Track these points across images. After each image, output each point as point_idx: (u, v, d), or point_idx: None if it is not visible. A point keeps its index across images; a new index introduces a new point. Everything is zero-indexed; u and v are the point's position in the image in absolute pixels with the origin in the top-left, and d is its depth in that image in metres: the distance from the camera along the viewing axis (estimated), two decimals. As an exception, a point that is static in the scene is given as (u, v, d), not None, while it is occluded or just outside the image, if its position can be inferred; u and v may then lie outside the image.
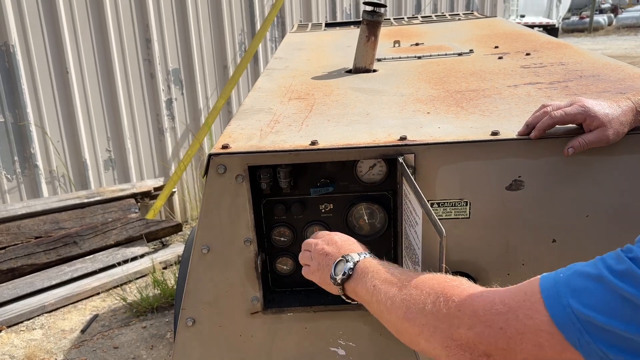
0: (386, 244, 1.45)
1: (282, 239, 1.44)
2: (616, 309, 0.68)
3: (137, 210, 4.55)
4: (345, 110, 1.59)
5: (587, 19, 22.25)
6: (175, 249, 4.41)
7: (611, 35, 20.50)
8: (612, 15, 24.10)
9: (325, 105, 1.66)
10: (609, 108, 1.20)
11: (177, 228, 4.58)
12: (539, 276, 0.79)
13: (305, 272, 1.22)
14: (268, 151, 1.28)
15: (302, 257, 1.23)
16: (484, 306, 0.78)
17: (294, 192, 1.39)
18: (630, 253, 0.72)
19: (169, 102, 4.87)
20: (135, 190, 4.66)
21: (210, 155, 1.28)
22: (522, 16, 16.37)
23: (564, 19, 21.12)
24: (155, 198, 4.74)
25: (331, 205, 1.41)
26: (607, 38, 19.60)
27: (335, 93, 1.81)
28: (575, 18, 23.14)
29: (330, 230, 1.43)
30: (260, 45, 5.15)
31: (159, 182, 4.84)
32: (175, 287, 3.82)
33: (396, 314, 0.91)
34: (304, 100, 1.73)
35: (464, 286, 0.86)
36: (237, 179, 1.30)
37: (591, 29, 21.62)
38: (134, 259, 4.19)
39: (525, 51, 2.28)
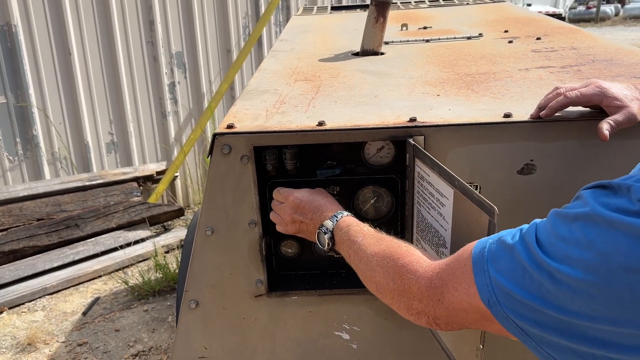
0: (392, 228, 1.43)
1: (287, 221, 1.41)
2: (518, 277, 0.77)
3: (139, 194, 4.53)
4: (353, 92, 1.56)
5: (594, 9, 22.06)
6: (177, 233, 4.40)
7: (618, 26, 20.32)
8: (619, 5, 23.88)
9: (332, 87, 1.62)
10: (626, 89, 1.17)
11: (179, 212, 4.56)
12: (473, 243, 0.88)
13: (280, 230, 1.32)
14: (274, 131, 1.26)
15: (273, 217, 1.32)
16: (425, 283, 0.92)
17: (300, 174, 1.36)
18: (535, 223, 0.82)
19: (172, 85, 4.83)
20: (137, 174, 4.64)
21: (215, 135, 1.26)
22: (529, 5, 16.23)
23: (570, 8, 20.95)
24: (158, 182, 4.73)
25: (337, 188, 1.38)
26: (613, 28, 19.43)
27: (342, 75, 1.78)
28: (582, 8, 22.93)
29: None
30: (264, 29, 5.09)
31: (161, 166, 4.82)
32: (177, 270, 3.81)
33: (370, 287, 1.07)
34: (310, 82, 1.69)
35: (411, 256, 0.98)
36: (242, 160, 1.27)
37: (597, 19, 21.44)
38: (136, 242, 4.18)
39: (536, 35, 2.24)
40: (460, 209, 1.05)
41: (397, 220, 1.42)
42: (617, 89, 1.16)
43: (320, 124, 1.27)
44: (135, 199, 4.47)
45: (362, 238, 1.10)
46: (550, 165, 1.27)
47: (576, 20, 21.90)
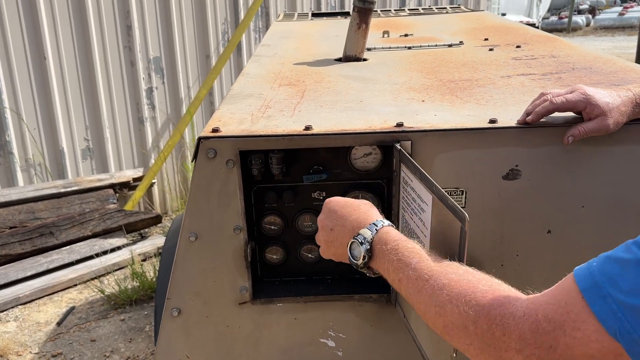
0: (379, 234, 1.42)
1: (273, 227, 1.40)
2: None
3: (115, 201, 4.45)
4: (338, 97, 1.55)
5: (566, 19, 22.54)
6: (154, 241, 4.33)
7: (589, 36, 20.78)
8: (590, 16, 24.44)
9: (317, 92, 1.62)
10: (609, 97, 1.18)
11: (157, 220, 4.50)
12: (571, 274, 0.73)
13: (322, 252, 1.13)
14: (260, 135, 1.24)
15: (317, 238, 1.13)
16: (529, 328, 0.73)
17: (285, 179, 1.34)
18: None
19: (150, 90, 4.77)
20: (113, 181, 4.57)
21: (199, 139, 1.23)
22: (504, 14, 16.50)
23: (543, 18, 21.35)
24: (134, 189, 4.65)
25: (324, 193, 1.37)
26: (585, 38, 19.86)
27: (326, 80, 1.77)
28: (554, 18, 23.39)
29: None
30: (243, 35, 5.07)
31: (138, 172, 4.75)
32: (154, 279, 3.75)
33: (433, 324, 0.86)
34: (294, 87, 1.68)
35: (500, 295, 0.79)
36: (228, 164, 1.25)
37: (569, 29, 21.89)
38: (112, 250, 4.10)
39: (515, 44, 2.27)
40: (438, 216, 1.04)
41: (383, 226, 1.41)
42: (601, 97, 1.18)
43: (307, 128, 1.26)
44: (112, 206, 4.39)
45: (418, 260, 0.90)
46: (534, 170, 1.28)
47: (549, 30, 22.30)
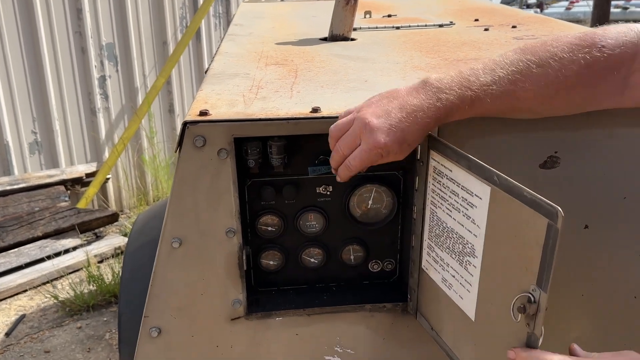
0: (391, 233, 1.23)
1: (270, 228, 1.19)
2: None
3: (67, 199, 4.13)
4: (337, 77, 1.35)
5: (516, 12, 22.89)
6: (111, 241, 4.03)
7: (539, 28, 21.19)
8: (538, 10, 24.96)
9: (311, 72, 1.41)
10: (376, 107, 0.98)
11: (113, 218, 4.20)
12: None
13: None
14: (261, 119, 1.03)
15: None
16: None
17: (286, 172, 1.14)
18: None
19: (102, 79, 4.44)
20: (64, 177, 4.25)
21: (185, 124, 1.01)
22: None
23: (495, 11, 21.62)
24: (88, 185, 4.33)
25: (330, 187, 1.17)
26: (535, 31, 20.23)
27: (317, 60, 1.56)
28: (505, 11, 23.72)
29: (327, 218, 1.20)
30: (203, 21, 4.79)
31: (91, 167, 4.43)
32: (113, 282, 3.48)
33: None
34: (283, 66, 1.47)
35: None
36: (220, 154, 1.04)
37: (520, 22, 22.26)
38: (65, 252, 3.79)
39: (509, 24, 2.12)
40: (500, 211, 0.86)
41: (397, 224, 1.22)
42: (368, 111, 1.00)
43: (315, 110, 1.06)
44: (63, 204, 4.07)
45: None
46: (574, 158, 1.11)
47: (500, 23, 22.56)
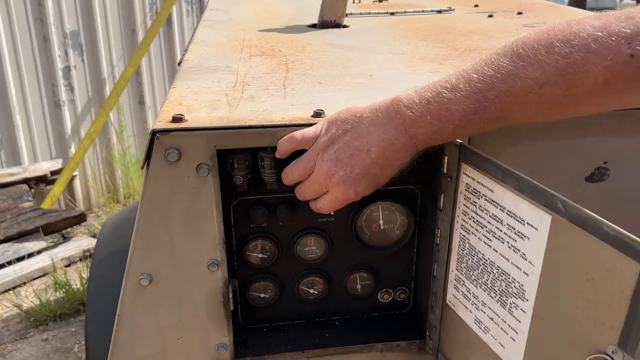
0: (405, 258, 1.04)
1: (261, 255, 0.98)
2: None
3: (30, 199, 3.85)
4: (336, 71, 1.14)
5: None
6: (79, 243, 3.77)
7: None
8: None
9: (304, 64, 1.20)
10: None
11: (80, 218, 3.93)
12: None
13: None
14: (251, 126, 0.81)
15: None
16: None
17: (280, 189, 0.93)
18: None
19: (67, 70, 4.15)
20: (27, 175, 3.96)
21: (154, 133, 0.79)
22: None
23: None
24: (53, 183, 4.05)
25: (334, 206, 0.97)
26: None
27: (308, 50, 1.35)
28: None
29: (330, 242, 0.99)
30: (174, 7, 4.51)
31: (56, 164, 4.14)
32: (82, 289, 3.23)
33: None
34: (271, 57, 1.25)
35: None
36: (199, 171, 0.82)
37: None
38: (29, 256, 3.52)
39: (514, 10, 1.94)
40: (565, 247, 0.67)
41: (412, 247, 1.03)
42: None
43: (318, 114, 0.85)
44: (27, 204, 3.79)
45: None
46: (627, 168, 0.93)
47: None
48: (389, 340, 1.02)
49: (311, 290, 1.03)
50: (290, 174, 0.85)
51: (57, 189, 4.00)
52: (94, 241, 3.77)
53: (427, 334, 1.00)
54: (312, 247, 0.99)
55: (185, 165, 0.82)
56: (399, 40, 1.47)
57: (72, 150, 4.25)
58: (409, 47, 1.37)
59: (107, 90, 4.33)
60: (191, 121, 0.82)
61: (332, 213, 0.96)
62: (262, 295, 1.02)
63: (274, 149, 0.86)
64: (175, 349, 0.95)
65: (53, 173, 4.08)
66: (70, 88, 4.19)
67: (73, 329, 3.09)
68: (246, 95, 0.96)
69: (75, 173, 4.19)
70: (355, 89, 1.01)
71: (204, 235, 0.87)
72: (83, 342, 2.97)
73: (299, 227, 0.97)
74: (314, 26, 1.69)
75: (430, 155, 0.83)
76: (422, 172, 0.95)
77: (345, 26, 1.69)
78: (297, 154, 0.84)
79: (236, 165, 0.86)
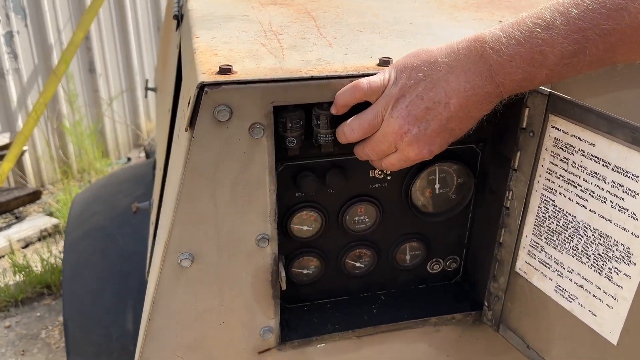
0: (459, 226, 0.95)
1: (306, 228, 0.87)
2: None
3: (-23, 176, 3.55)
4: (368, 19, 1.03)
5: None
6: (35, 222, 3.53)
7: None
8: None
9: (328, 13, 1.07)
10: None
11: (34, 196, 3.69)
12: None
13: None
14: (314, 77, 0.69)
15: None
16: None
17: (333, 152, 0.81)
18: None
19: (9, 36, 3.81)
20: (-28, 151, 3.64)
21: (202, 87, 0.66)
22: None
23: None
24: (1, 159, 3.75)
25: (388, 172, 0.86)
26: None
27: (321, -1, 1.22)
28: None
29: (381, 210, 0.89)
30: (124, -34, 4.21)
31: (4, 138, 3.85)
32: (44, 271, 3.02)
33: None
34: (287, 7, 1.12)
35: None
36: (253, 132, 0.70)
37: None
38: (-20, 239, 3.26)
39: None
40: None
41: (467, 214, 0.94)
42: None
43: (386, 62, 0.73)
44: (-27, 182, 3.50)
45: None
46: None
47: None
48: (442, 314, 0.94)
49: (357, 264, 0.94)
50: (350, 132, 0.74)
51: (6, 166, 3.71)
52: (51, 220, 3.54)
53: (486, 304, 0.92)
54: (362, 217, 0.89)
55: (237, 125, 0.69)
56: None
57: (20, 123, 3.94)
58: (429, -4, 1.26)
59: (55, 58, 4.02)
60: (241, 73, 0.69)
61: (388, 177, 0.86)
62: (305, 271, 0.92)
63: (330, 105, 0.75)
64: (215, 336, 0.83)
65: (1, 148, 3.78)
66: (14, 56, 3.86)
67: (38, 314, 2.90)
68: (286, 45, 0.83)
69: (25, 148, 3.90)
70: (405, 37, 0.90)
71: (254, 206, 0.75)
72: (51, 327, 2.80)
73: (349, 194, 0.87)
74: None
75: (496, 109, 0.74)
76: (486, 128, 0.86)
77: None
78: (354, 109, 0.72)
79: (290, 125, 0.74)
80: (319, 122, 0.75)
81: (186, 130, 0.69)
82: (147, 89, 2.61)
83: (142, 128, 4.79)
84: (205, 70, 0.70)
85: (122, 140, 4.68)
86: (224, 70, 0.69)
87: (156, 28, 4.70)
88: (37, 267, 3.09)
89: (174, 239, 0.74)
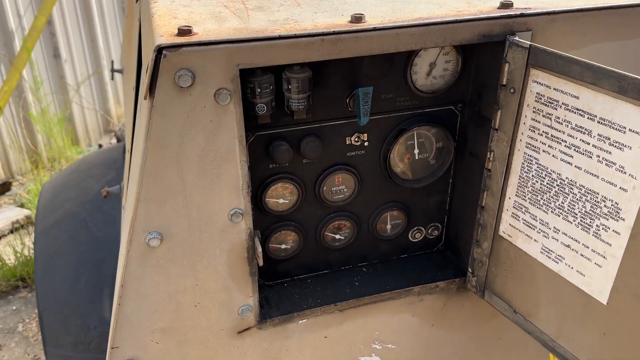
0: (440, 192, 0.92)
1: (282, 200, 0.83)
2: None
3: (-58, 170, 3.43)
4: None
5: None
6: (6, 214, 3.43)
7: None
8: None
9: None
10: None
11: (5, 187, 3.59)
12: None
13: None
14: (282, 36, 0.65)
15: None
16: None
17: (307, 119, 0.77)
18: None
19: (-33, 22, 3.66)
20: None
21: (160, 50, 0.61)
22: None
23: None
24: (-34, 151, 3.63)
25: (365, 135, 0.83)
26: None
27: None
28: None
29: (359, 178, 0.86)
30: (84, -54, 4.06)
31: (-32, 129, 3.70)
32: (17, 264, 2.94)
33: None
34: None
35: None
36: (219, 98, 0.65)
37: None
38: (-51, 233, 3.16)
39: None
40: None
41: (448, 178, 0.91)
42: None
43: (358, 19, 0.69)
44: (-62, 176, 3.38)
45: None
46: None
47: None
48: (425, 282, 0.91)
49: (337, 236, 0.90)
50: None
51: (-29, 157, 3.59)
52: (23, 212, 3.44)
53: (470, 270, 0.90)
54: (339, 187, 0.85)
55: (200, 91, 0.64)
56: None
57: (-16, 112, 3.80)
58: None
59: (17, 45, 3.87)
60: (202, 34, 0.64)
61: (365, 143, 0.83)
62: (283, 246, 0.88)
63: (303, 67, 0.70)
64: (191, 318, 0.79)
65: (-35, 139, 3.65)
66: (-27, 43, 3.71)
67: (13, 307, 2.83)
68: (251, 6, 0.78)
69: (-10, 138, 3.77)
70: (376, -4, 0.85)
71: (225, 179, 0.70)
72: (27, 320, 2.73)
73: (325, 164, 0.83)
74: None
75: (475, 67, 0.70)
76: (464, 88, 0.82)
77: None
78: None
79: (259, 90, 0.69)
80: (290, 87, 0.71)
81: (145, 98, 0.64)
82: (113, 70, 2.52)
83: (112, 113, 4.68)
84: (163, 32, 0.65)
85: (92, 126, 4.56)
86: (184, 31, 0.64)
87: (121, 9, 4.57)
88: (10, 260, 3.00)
89: (139, 217, 0.69)
